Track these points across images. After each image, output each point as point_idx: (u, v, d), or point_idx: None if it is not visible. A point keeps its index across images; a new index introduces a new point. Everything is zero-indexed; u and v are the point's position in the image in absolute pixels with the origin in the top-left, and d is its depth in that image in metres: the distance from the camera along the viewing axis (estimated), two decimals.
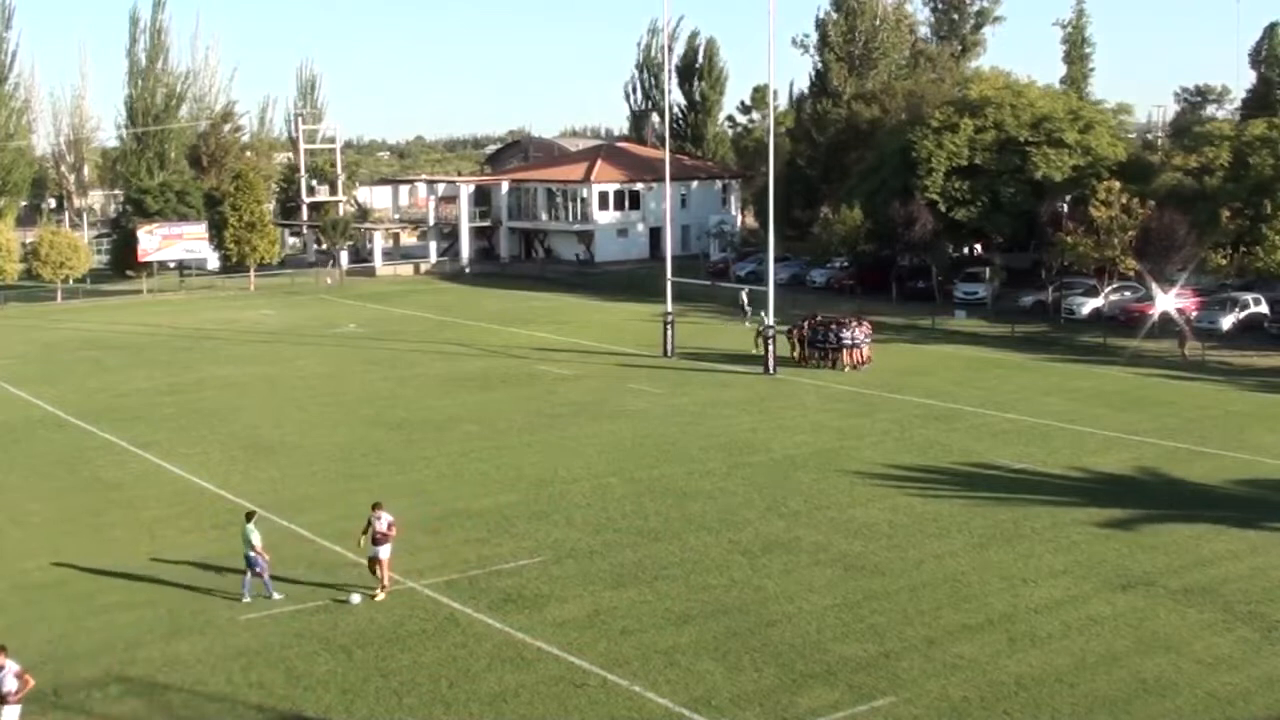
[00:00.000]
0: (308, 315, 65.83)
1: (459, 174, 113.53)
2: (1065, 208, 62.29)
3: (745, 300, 59.10)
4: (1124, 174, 59.77)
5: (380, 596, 22.88)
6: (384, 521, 22.89)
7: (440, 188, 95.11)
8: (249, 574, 22.98)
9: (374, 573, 23.16)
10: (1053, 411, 39.25)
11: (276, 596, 22.86)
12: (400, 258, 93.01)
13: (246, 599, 22.76)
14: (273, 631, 21.42)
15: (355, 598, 22.86)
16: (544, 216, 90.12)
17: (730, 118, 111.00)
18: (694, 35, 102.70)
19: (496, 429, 37.19)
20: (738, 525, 27.30)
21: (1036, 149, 62.73)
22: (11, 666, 16.94)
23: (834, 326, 48.17)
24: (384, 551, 22.93)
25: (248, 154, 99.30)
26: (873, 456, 33.49)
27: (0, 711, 17.06)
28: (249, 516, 23.49)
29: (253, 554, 22.86)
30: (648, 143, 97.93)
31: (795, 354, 48.38)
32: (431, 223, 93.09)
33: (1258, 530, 26.72)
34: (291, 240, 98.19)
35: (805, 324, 49.43)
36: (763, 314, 51.77)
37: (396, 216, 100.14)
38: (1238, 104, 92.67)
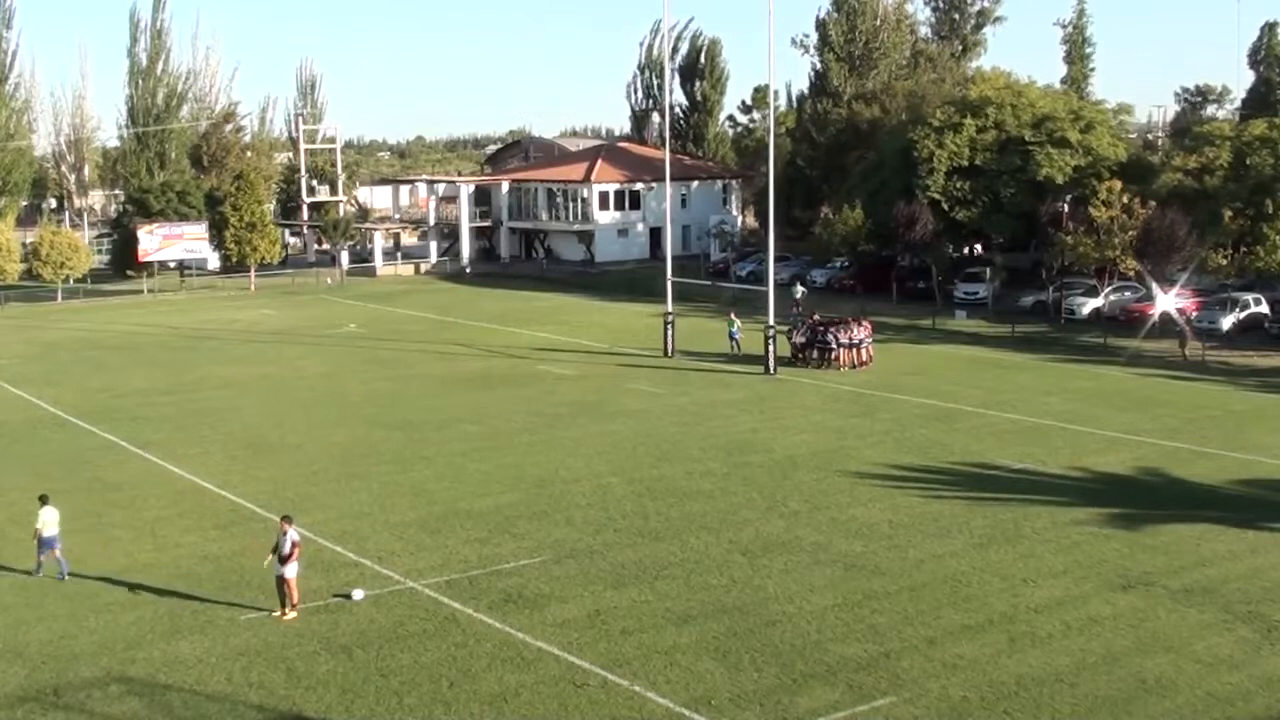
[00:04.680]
0: (308, 315, 65.84)
1: (459, 174, 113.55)
2: (1066, 208, 62.30)
3: (797, 295, 61.56)
4: (1124, 174, 59.77)
5: (290, 616, 21.77)
6: (289, 540, 21.80)
7: (440, 188, 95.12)
8: (54, 552, 24.15)
9: (280, 592, 22.02)
10: (1053, 411, 39.25)
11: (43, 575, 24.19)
12: (401, 257, 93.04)
13: (65, 575, 24.03)
14: (273, 631, 21.42)
15: (357, 594, 22.88)
16: (544, 216, 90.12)
17: (731, 118, 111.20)
18: (696, 36, 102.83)
19: (497, 429, 37.19)
20: (738, 525, 27.30)
21: (1039, 149, 62.72)
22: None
23: (830, 328, 48.09)
24: (290, 570, 21.83)
25: (248, 154, 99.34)
26: (873, 456, 33.49)
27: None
28: (43, 500, 24.62)
29: (56, 533, 24.24)
30: (649, 143, 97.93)
31: (794, 354, 48.38)
32: (432, 223, 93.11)
33: (1258, 530, 26.71)
34: (292, 240, 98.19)
35: (804, 324, 49.50)
36: (732, 315, 52.54)
37: (397, 216, 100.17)
38: (1238, 104, 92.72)
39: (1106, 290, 57.56)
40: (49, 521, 24.20)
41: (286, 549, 21.85)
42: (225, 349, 54.10)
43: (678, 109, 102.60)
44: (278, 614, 21.94)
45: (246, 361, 50.51)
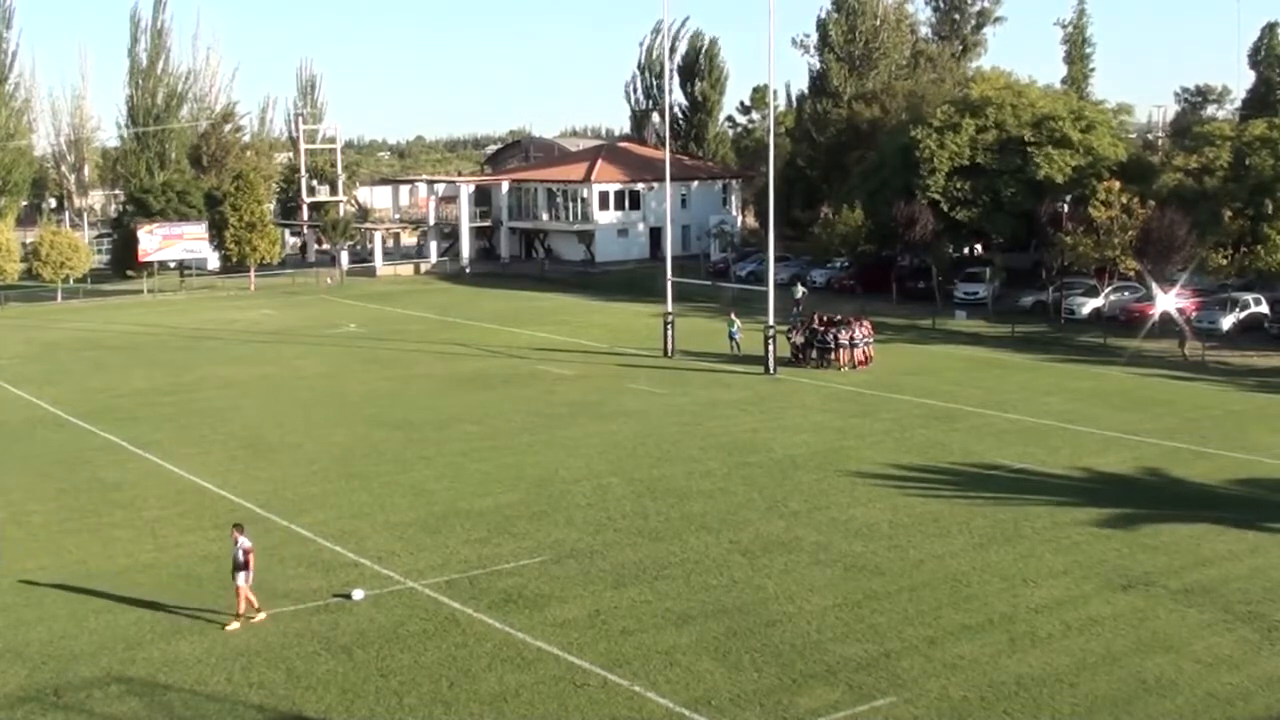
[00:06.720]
0: (308, 315, 65.83)
1: (459, 174, 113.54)
2: (1065, 208, 62.29)
3: (798, 295, 62.01)
4: (1124, 174, 59.77)
5: (260, 617, 21.59)
6: (240, 547, 21.54)
7: (440, 188, 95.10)
8: None
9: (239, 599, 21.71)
10: (1053, 411, 39.25)
11: None
12: (401, 257, 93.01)
13: None
14: (273, 631, 21.42)
15: (357, 594, 22.88)
16: (544, 216, 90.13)
17: (730, 118, 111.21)
18: (696, 35, 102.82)
19: (497, 429, 37.19)
20: (738, 525, 27.30)
21: (1039, 148, 62.71)
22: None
23: (831, 328, 48.04)
24: (241, 578, 21.40)
25: (248, 154, 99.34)
26: (873, 456, 33.49)
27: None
28: None
29: None
30: (649, 143, 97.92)
31: (794, 354, 48.37)
32: (432, 223, 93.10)
33: (1258, 530, 26.71)
34: (291, 240, 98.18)
35: (804, 324, 49.53)
36: (732, 315, 52.67)
37: (397, 216, 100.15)
38: (1238, 104, 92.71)
39: (1106, 290, 57.55)
40: None
41: (240, 557, 21.49)
42: (225, 349, 54.09)
43: (677, 109, 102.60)
44: (240, 623, 21.56)
45: (246, 361, 50.50)
